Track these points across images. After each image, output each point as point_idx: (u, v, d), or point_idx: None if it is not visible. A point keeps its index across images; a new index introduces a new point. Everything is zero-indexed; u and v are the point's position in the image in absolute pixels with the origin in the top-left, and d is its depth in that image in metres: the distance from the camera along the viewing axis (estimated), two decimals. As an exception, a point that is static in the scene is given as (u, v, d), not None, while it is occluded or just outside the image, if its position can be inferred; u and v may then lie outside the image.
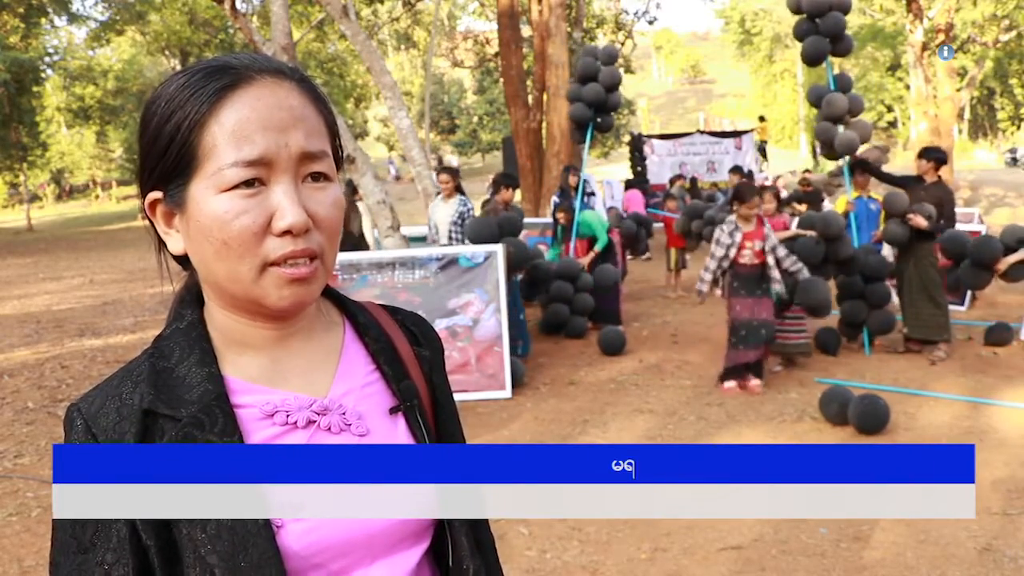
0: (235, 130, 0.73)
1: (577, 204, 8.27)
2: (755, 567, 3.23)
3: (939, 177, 6.62)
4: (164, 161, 0.75)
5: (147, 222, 0.81)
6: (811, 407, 5.30)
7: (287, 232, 0.73)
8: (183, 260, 0.82)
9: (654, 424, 5.10)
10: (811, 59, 6.93)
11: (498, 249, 6.02)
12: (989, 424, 4.86)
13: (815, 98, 6.96)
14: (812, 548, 3.37)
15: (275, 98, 0.75)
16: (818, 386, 5.76)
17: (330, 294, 0.90)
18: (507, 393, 5.82)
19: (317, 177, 0.77)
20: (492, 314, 5.90)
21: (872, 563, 3.22)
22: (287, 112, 0.75)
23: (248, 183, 0.73)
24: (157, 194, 0.78)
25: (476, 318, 5.89)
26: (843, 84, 6.93)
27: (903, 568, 3.17)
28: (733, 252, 5.60)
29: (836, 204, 7.90)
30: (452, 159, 35.04)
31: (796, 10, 6.97)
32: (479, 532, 0.92)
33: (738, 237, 5.61)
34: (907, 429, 4.82)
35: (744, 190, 5.72)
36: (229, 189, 0.73)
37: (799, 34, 7.02)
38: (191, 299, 0.83)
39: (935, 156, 6.64)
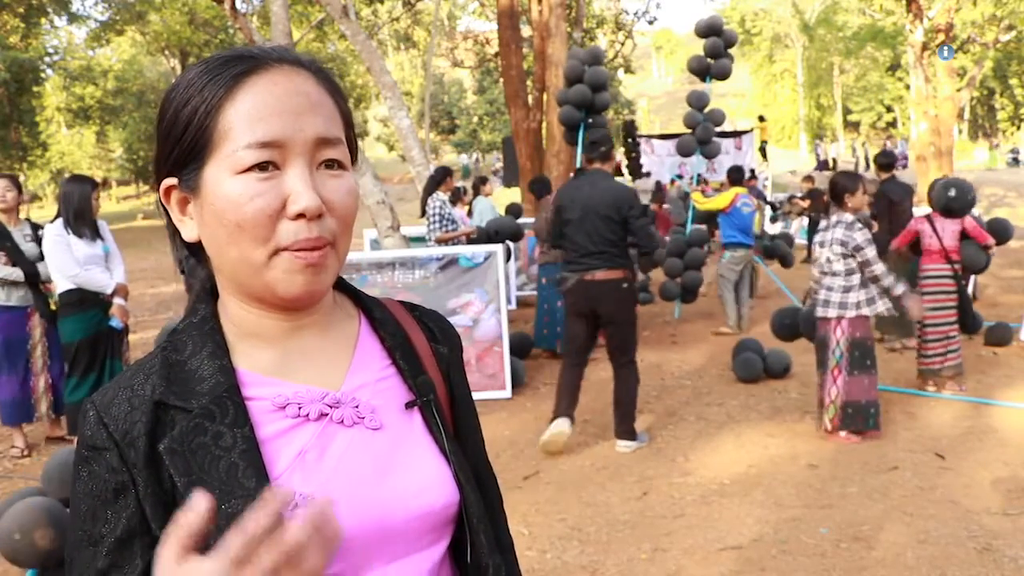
0: (250, 113, 0.73)
1: None
2: (755, 567, 3.23)
3: (891, 176, 7.34)
4: (180, 145, 0.76)
5: (163, 212, 0.82)
6: (811, 407, 5.30)
7: (300, 216, 0.73)
8: (196, 252, 0.82)
9: (654, 424, 5.10)
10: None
11: (498, 249, 6.02)
12: (989, 424, 4.85)
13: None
14: (812, 548, 3.36)
15: (292, 84, 0.76)
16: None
17: (345, 288, 0.90)
18: (507, 393, 5.82)
19: (332, 164, 0.77)
20: (492, 314, 5.90)
21: (872, 563, 3.22)
22: (303, 97, 0.76)
23: (262, 167, 0.73)
24: (172, 180, 0.78)
25: (476, 318, 5.89)
26: (699, 103, 8.51)
27: (903, 568, 3.17)
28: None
29: (719, 199, 8.25)
30: (464, 158, 34.98)
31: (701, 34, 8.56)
32: (499, 532, 0.91)
33: (868, 235, 4.65)
34: (907, 429, 4.82)
35: (846, 181, 4.74)
36: (243, 172, 0.73)
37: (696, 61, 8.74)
38: (206, 294, 0.83)
39: (877, 162, 7.49)
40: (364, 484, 0.77)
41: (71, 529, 0.75)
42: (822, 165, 27.88)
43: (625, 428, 4.65)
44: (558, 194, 4.83)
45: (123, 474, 0.73)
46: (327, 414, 0.78)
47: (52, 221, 4.68)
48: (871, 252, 4.55)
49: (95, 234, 4.71)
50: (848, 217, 4.64)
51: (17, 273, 4.77)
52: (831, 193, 4.81)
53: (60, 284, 4.68)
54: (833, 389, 4.66)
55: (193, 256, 0.84)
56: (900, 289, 4.60)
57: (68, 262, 4.58)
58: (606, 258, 4.45)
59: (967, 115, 39.00)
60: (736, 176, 8.50)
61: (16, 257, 4.79)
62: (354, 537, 0.75)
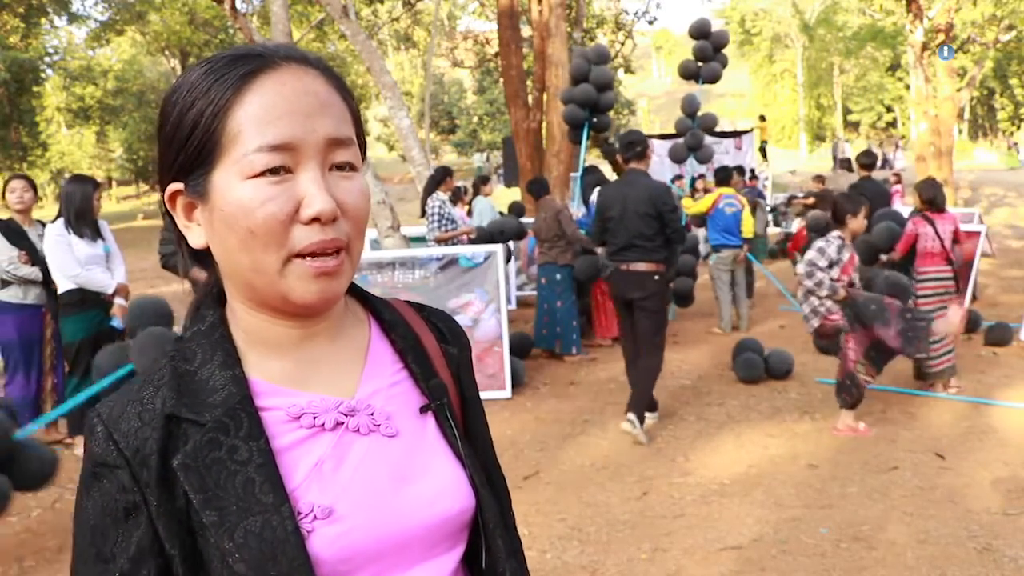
0: (260, 115, 0.71)
1: (574, 205, 8.31)
2: (755, 567, 3.23)
3: (869, 176, 7.52)
4: (186, 150, 0.73)
5: (164, 215, 0.79)
6: (811, 407, 5.30)
7: (315, 220, 0.71)
8: (201, 257, 0.80)
9: (655, 424, 5.10)
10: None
11: (498, 249, 6.02)
12: (989, 424, 4.85)
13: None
14: (812, 548, 3.36)
15: (301, 84, 0.73)
16: (818, 386, 5.76)
17: (354, 290, 0.88)
18: (507, 393, 5.82)
19: (343, 166, 0.75)
20: (492, 314, 5.90)
21: (872, 563, 3.22)
22: (313, 98, 0.73)
23: (274, 170, 0.71)
24: (178, 185, 0.76)
25: (476, 318, 5.89)
26: (690, 108, 8.87)
27: (903, 568, 3.17)
28: (836, 273, 4.70)
29: (702, 203, 8.26)
30: (479, 158, 34.99)
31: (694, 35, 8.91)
32: (510, 534, 0.90)
33: (846, 256, 4.72)
34: (907, 429, 4.82)
35: (847, 204, 4.80)
36: (255, 176, 0.71)
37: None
38: (212, 299, 0.81)
39: (859, 161, 7.67)
40: (381, 493, 0.75)
41: (78, 541, 0.74)
42: (841, 164, 27.68)
43: (638, 409, 4.81)
44: (600, 195, 5.21)
45: (135, 494, 0.71)
46: (343, 423, 0.77)
47: (53, 221, 4.70)
48: (813, 258, 4.70)
49: (96, 234, 4.73)
50: (834, 234, 4.79)
51: (37, 272, 4.82)
52: (833, 213, 4.92)
53: (61, 284, 4.69)
54: (851, 352, 4.72)
55: (198, 261, 0.81)
56: (841, 293, 4.68)
57: (69, 262, 4.59)
58: (643, 251, 4.85)
59: (967, 115, 38.98)
60: (723, 176, 8.45)
61: (34, 257, 4.83)
62: (372, 548, 0.74)
